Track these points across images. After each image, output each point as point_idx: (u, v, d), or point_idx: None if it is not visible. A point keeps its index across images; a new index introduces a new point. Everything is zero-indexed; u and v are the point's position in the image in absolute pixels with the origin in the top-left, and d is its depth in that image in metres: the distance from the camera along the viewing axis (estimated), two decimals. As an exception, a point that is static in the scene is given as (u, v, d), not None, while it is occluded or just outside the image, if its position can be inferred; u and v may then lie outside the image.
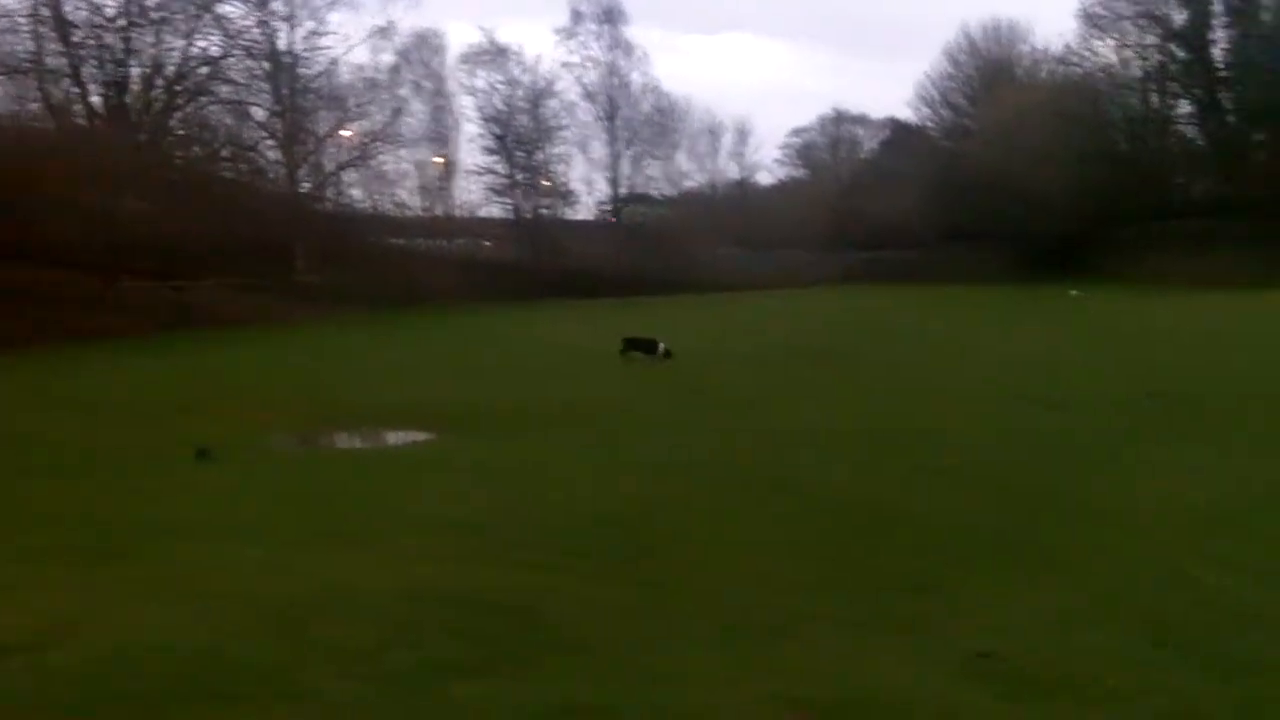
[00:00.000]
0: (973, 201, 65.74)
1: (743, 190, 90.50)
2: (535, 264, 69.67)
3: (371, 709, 5.98)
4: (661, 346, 26.63)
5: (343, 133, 64.94)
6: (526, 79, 77.06)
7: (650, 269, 69.84)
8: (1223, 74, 66.77)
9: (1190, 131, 70.31)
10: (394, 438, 17.51)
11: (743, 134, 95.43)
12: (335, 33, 62.17)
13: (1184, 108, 70.17)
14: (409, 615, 7.58)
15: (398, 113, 68.58)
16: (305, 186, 63.53)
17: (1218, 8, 66.56)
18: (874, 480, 12.44)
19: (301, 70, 62.06)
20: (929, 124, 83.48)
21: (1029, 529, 9.79)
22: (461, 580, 8.43)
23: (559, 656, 6.72)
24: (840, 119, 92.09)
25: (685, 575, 8.53)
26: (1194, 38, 67.07)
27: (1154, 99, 70.82)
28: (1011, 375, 21.90)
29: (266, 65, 59.72)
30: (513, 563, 8.97)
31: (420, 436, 17.10)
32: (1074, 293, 47.74)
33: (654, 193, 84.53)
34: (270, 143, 61.82)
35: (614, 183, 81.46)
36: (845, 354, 27.38)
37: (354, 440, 17.93)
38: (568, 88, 78.73)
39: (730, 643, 7.00)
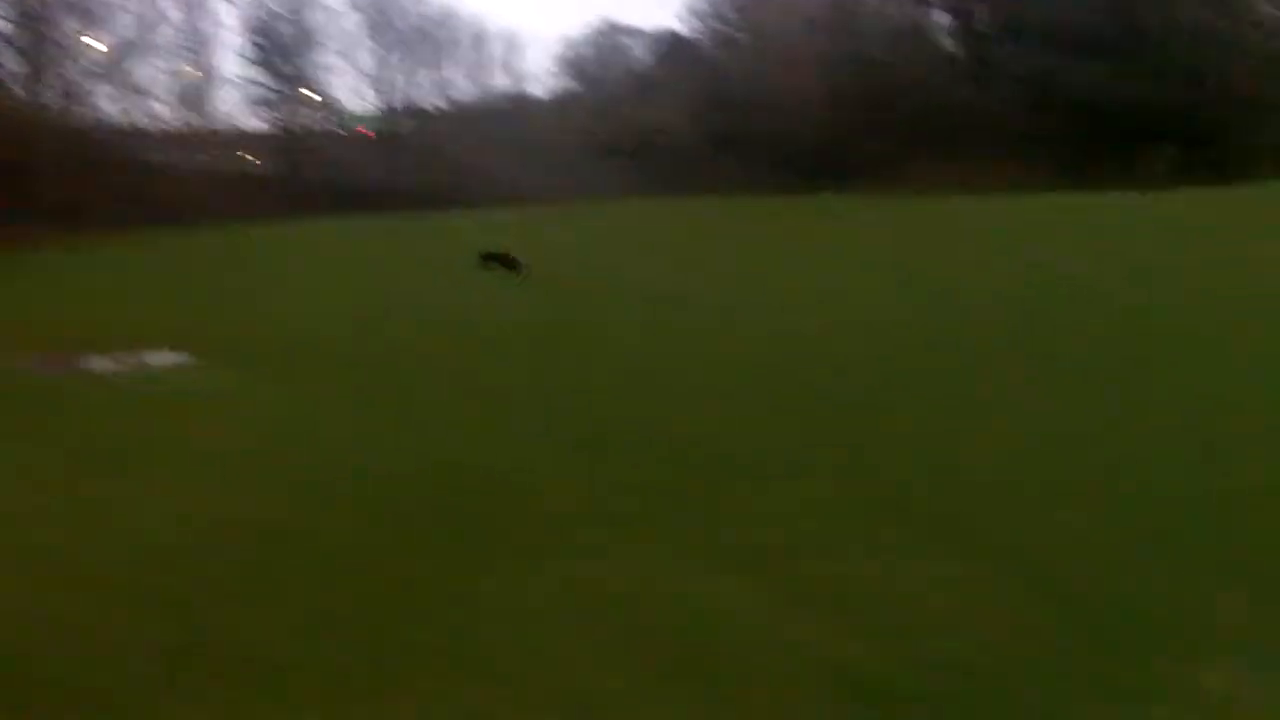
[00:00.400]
0: (738, 112, 66.49)
1: (515, 102, 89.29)
2: (300, 179, 67.52)
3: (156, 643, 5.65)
4: (522, 262, 26.25)
5: (91, 41, 61.05)
6: (288, -14, 74.13)
7: (421, 182, 68.57)
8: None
9: (946, 42, 72.51)
10: (152, 360, 16.47)
11: (512, 44, 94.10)
12: (82, -66, 58.29)
13: (942, 18, 72.28)
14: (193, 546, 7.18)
15: (151, 20, 65.02)
16: (49, 100, 59.54)
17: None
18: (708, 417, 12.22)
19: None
20: (700, 35, 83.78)
21: (863, 462, 9.53)
22: (246, 510, 7.95)
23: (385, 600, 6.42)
24: (613, 30, 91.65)
25: (505, 513, 8.14)
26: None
27: (912, 10, 72.70)
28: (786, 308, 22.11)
29: (5, -32, 55.66)
30: (338, 505, 8.43)
31: (177, 360, 16.14)
32: (826, 195, 48.70)
33: (425, 105, 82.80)
34: (10, 53, 57.65)
35: (383, 94, 79.37)
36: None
37: (107, 365, 16.75)
38: (333, -7, 76.36)
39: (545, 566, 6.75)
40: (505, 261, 26.41)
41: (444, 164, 71.17)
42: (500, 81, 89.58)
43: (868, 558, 6.72)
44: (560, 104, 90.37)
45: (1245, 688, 4.97)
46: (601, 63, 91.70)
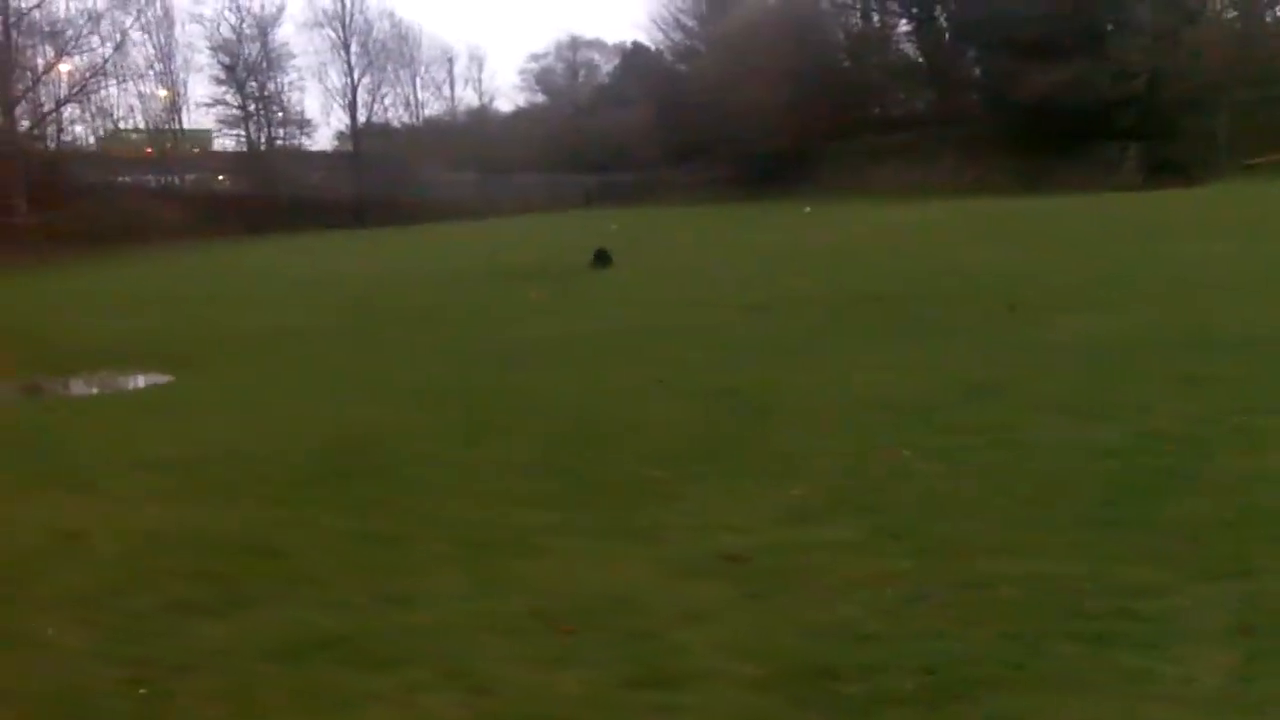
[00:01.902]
0: (701, 121, 66.89)
1: (481, 117, 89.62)
2: (269, 196, 67.70)
3: (114, 657, 5.75)
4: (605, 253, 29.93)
5: (62, 67, 61.16)
6: (255, 5, 74.35)
7: (388, 198, 68.87)
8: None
9: (909, 49, 73.17)
10: (121, 381, 16.82)
11: (477, 60, 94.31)
12: (50, -39, 58.50)
13: (903, 26, 72.90)
14: (144, 559, 7.36)
15: (120, 44, 65.18)
16: (22, 125, 59.59)
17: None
18: (602, 393, 12.63)
19: (15, 2, 58.00)
20: (663, 46, 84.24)
21: (755, 432, 10.11)
22: (196, 520, 8.18)
23: (298, 589, 6.62)
24: (576, 44, 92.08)
25: (421, 498, 8.48)
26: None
27: (875, 18, 73.39)
28: (735, 288, 22.50)
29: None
30: (247, 498, 8.76)
31: (147, 378, 16.49)
32: (807, 209, 49.19)
33: (392, 121, 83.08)
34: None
35: (352, 111, 79.64)
36: (569, 275, 27.87)
37: (78, 386, 17.09)
38: (300, 12, 76.69)
39: (471, 561, 6.99)
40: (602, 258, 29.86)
41: (411, 179, 71.44)
42: (468, 97, 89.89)
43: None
44: (528, 117, 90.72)
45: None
46: (566, 76, 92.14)
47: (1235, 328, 13.62)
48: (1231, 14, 58.98)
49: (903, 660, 5.24)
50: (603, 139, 75.53)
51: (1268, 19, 58.96)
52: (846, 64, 72.19)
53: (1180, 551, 6.41)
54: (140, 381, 16.47)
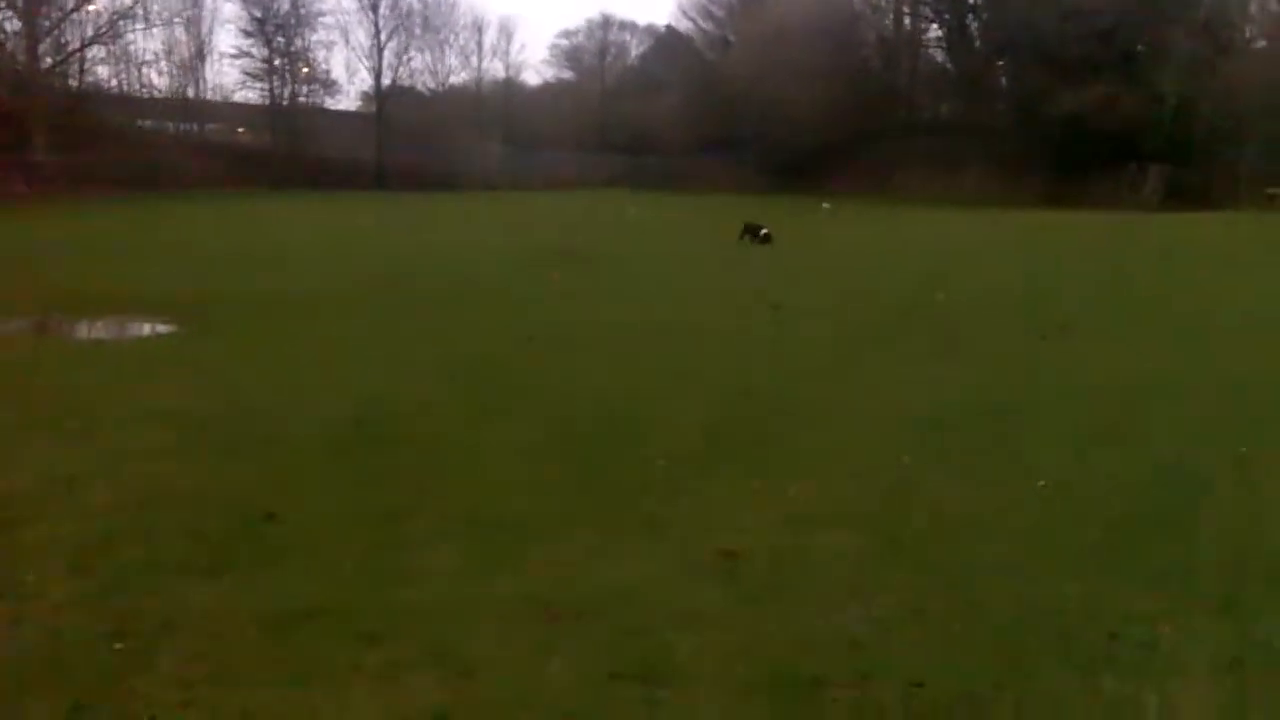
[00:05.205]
0: (731, 113, 66.84)
1: (508, 89, 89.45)
2: (290, 153, 67.66)
3: (96, 609, 5.75)
4: (763, 230, 31.68)
5: (89, 6, 61.04)
6: (288, -41, 74.10)
7: (411, 164, 68.82)
8: (972, 2, 69.36)
9: (939, 55, 72.99)
10: (132, 328, 16.73)
11: (508, 32, 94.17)
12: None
13: (934, 32, 72.70)
14: (139, 513, 7.33)
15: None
16: (47, 62, 59.51)
17: (972, -64, 68.90)
18: (622, 383, 12.55)
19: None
20: (693, 34, 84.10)
21: (770, 432, 10.04)
22: (195, 478, 8.14)
23: (296, 558, 6.58)
24: (608, 23, 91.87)
25: (426, 476, 8.40)
26: (947, -36, 69.35)
27: (906, 22, 73.17)
28: (759, 286, 22.35)
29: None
30: (249, 461, 8.70)
31: (159, 327, 16.37)
32: (826, 205, 49.12)
33: (419, 86, 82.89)
34: (8, 14, 57.62)
35: (377, 74, 79.46)
36: (605, 257, 27.60)
37: (87, 329, 17.04)
38: (331, -30, 76.45)
39: (469, 542, 6.93)
40: (754, 232, 31.73)
41: (435, 147, 71.34)
42: (495, 68, 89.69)
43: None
44: (555, 93, 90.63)
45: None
46: (596, 55, 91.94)
47: (1254, 366, 13.52)
48: (1261, 43, 58.68)
49: (892, 673, 5.23)
50: (631, 121, 75.42)
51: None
52: (876, 66, 71.99)
53: (1175, 584, 6.38)
54: (151, 330, 16.32)
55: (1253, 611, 6.02)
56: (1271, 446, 9.46)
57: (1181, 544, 7.09)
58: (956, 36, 70.03)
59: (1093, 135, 52.79)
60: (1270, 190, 47.26)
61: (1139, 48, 58.03)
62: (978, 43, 69.89)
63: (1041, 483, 8.32)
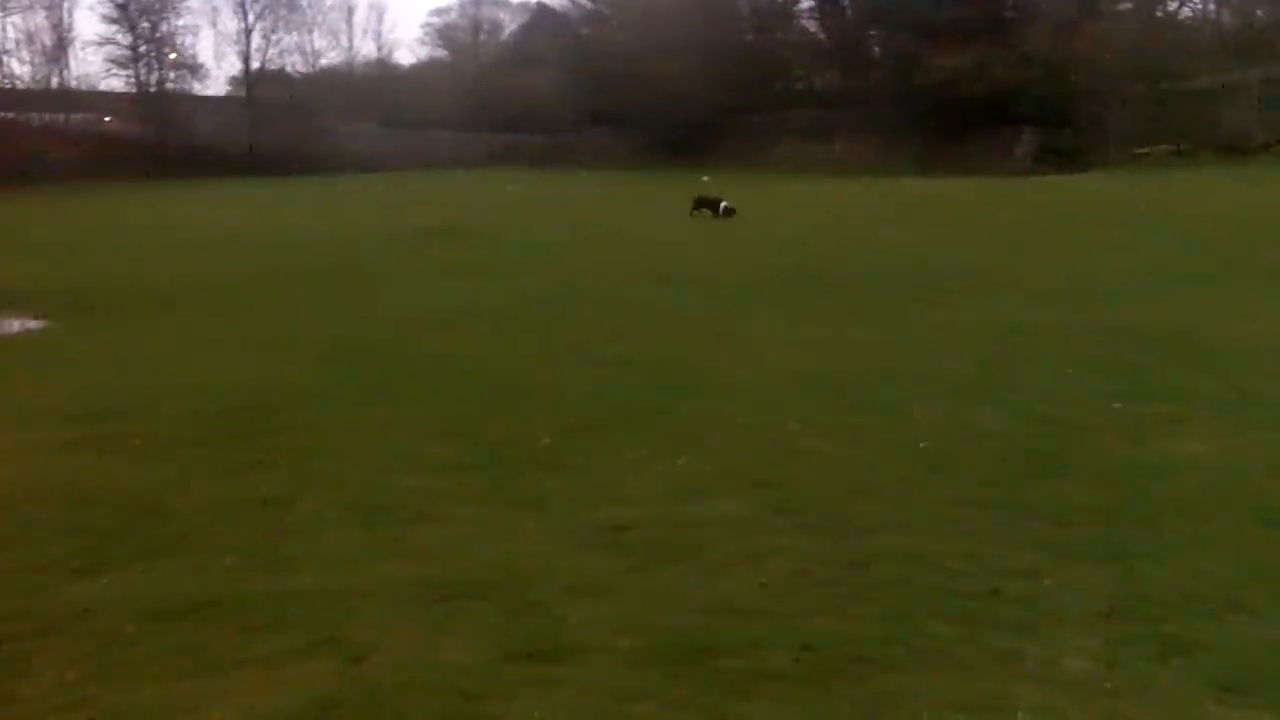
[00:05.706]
0: (610, 88, 66.59)
1: (382, 69, 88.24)
2: (161, 140, 66.10)
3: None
4: (723, 204, 30.12)
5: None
6: (149, -56, 72.13)
7: (285, 148, 67.60)
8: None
9: (813, 26, 73.40)
10: (4, 325, 16.22)
11: (379, 11, 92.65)
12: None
13: (806, 3, 73.07)
14: (14, 511, 7.15)
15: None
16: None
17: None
18: (506, 357, 12.51)
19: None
20: (568, 10, 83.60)
21: (655, 402, 10.09)
22: (73, 474, 7.97)
23: (177, 551, 6.46)
24: (481, 1, 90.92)
25: (312, 460, 8.32)
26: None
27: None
28: (645, 257, 22.41)
29: None
30: (129, 454, 8.53)
31: (31, 324, 15.92)
32: (705, 179, 49.20)
33: (289, 69, 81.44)
34: None
35: (246, 57, 77.89)
36: (485, 234, 27.45)
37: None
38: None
39: (357, 526, 6.89)
40: (709, 204, 30.45)
41: (308, 129, 70.21)
42: (368, 48, 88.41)
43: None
44: (430, 72, 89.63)
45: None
46: (470, 32, 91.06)
47: (1138, 319, 13.87)
48: (1127, 5, 59.97)
49: (781, 637, 5.30)
50: (510, 99, 74.84)
51: (1159, 14, 60.16)
52: (751, 38, 72.21)
53: (1052, 534, 6.54)
54: (21, 326, 15.85)
55: (1128, 559, 6.18)
56: (1139, 400, 9.75)
57: (1057, 495, 7.27)
58: (829, 6, 70.47)
59: (966, 101, 53.44)
60: (1138, 150, 48.48)
61: (1008, 12, 58.93)
62: (849, 12, 70.40)
63: (923, 444, 8.48)
